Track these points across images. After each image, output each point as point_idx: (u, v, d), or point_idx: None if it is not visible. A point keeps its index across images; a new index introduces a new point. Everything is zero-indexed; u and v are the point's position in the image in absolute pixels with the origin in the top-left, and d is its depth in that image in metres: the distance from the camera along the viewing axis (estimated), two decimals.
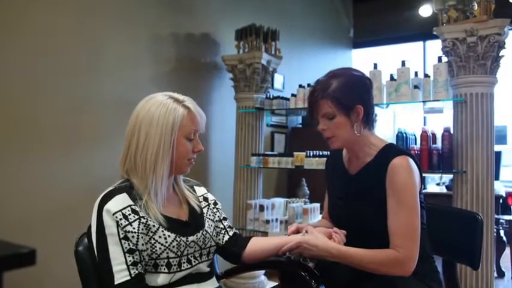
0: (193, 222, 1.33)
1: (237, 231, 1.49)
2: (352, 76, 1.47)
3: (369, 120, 1.47)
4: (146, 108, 1.26)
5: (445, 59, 2.69)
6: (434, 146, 2.75)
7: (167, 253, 1.22)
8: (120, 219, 1.16)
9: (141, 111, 1.26)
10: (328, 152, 1.79)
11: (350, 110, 1.42)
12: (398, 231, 1.35)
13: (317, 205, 3.18)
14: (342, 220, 1.52)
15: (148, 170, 1.23)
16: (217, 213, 1.45)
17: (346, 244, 1.39)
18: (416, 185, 1.39)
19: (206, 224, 1.36)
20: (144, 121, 1.24)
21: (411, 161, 1.40)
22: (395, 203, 1.36)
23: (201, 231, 1.32)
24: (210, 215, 1.40)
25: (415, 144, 2.95)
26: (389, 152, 1.43)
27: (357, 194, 1.48)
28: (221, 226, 1.44)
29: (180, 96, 1.30)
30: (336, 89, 1.41)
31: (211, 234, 1.36)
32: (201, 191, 1.46)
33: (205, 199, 1.44)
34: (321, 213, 3.17)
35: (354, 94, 1.43)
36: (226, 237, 1.44)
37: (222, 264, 1.57)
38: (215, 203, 1.46)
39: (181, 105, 1.27)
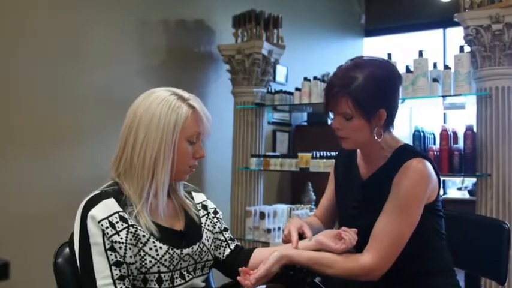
0: (190, 233, 1.32)
1: (238, 243, 1.47)
2: (380, 71, 1.40)
3: (390, 123, 1.44)
4: (146, 104, 1.24)
5: (467, 48, 2.69)
6: (455, 146, 2.75)
7: (158, 267, 1.21)
8: (106, 227, 1.16)
9: (140, 107, 1.24)
10: (337, 153, 1.78)
11: (371, 114, 1.38)
12: (384, 235, 1.33)
13: None
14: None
15: (147, 173, 1.22)
16: (218, 224, 1.43)
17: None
18: (426, 195, 1.37)
19: (204, 236, 1.35)
20: (144, 118, 1.22)
21: (428, 165, 1.38)
22: (394, 206, 1.35)
23: (197, 244, 1.32)
24: (209, 226, 1.39)
25: (434, 144, 2.94)
26: (405, 153, 1.42)
27: (369, 202, 1.46)
28: (222, 238, 1.43)
29: (185, 94, 1.29)
30: (359, 87, 1.35)
31: (208, 247, 1.36)
32: (199, 197, 1.45)
33: (204, 207, 1.43)
34: None
35: (379, 96, 1.38)
36: (228, 251, 1.42)
37: (218, 278, 1.57)
38: (215, 212, 1.45)
39: (185, 104, 1.26)
